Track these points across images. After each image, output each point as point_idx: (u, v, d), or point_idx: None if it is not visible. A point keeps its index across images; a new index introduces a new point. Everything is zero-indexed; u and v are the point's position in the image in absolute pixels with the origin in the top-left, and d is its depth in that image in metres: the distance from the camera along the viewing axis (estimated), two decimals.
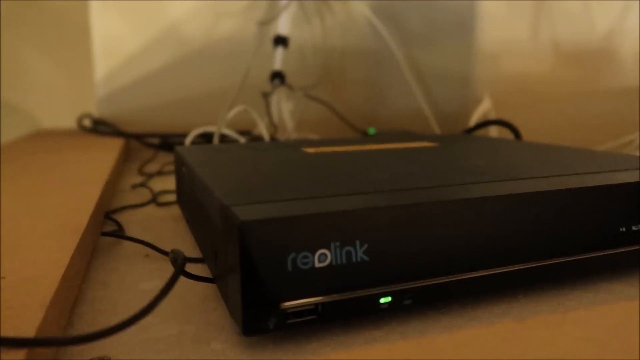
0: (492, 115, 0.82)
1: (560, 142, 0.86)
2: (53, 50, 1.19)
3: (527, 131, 0.81)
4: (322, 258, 0.23)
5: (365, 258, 0.24)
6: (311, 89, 0.96)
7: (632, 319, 0.23)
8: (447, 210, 0.25)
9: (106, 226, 0.44)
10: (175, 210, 0.50)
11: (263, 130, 0.72)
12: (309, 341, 0.25)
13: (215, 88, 0.97)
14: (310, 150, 0.45)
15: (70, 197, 0.42)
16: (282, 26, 0.89)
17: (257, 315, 0.23)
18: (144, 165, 0.76)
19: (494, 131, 0.81)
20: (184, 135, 0.82)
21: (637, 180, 0.30)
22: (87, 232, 0.35)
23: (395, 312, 0.27)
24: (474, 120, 0.80)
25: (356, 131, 0.95)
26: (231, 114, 0.70)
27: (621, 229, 0.30)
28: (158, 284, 0.32)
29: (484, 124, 0.67)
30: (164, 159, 0.82)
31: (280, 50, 0.86)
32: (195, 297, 0.30)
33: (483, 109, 0.81)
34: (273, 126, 0.81)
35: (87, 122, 0.97)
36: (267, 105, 0.82)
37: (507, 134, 0.79)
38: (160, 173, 0.69)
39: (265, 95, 0.82)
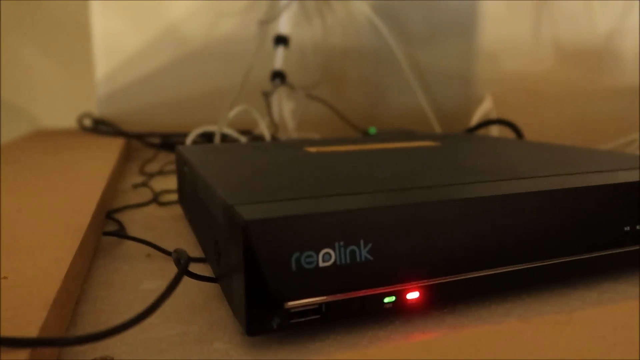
0: (493, 115, 0.82)
1: (561, 141, 0.86)
2: (53, 50, 1.19)
3: (528, 130, 0.81)
4: (326, 257, 0.23)
5: (369, 257, 0.24)
6: (312, 89, 0.96)
7: (637, 319, 0.23)
8: (450, 210, 0.25)
9: (107, 226, 0.44)
10: (177, 209, 0.50)
11: (264, 129, 0.72)
12: (312, 341, 0.24)
13: (216, 87, 0.97)
14: (312, 149, 0.45)
15: (71, 196, 0.42)
16: (283, 25, 0.89)
17: (260, 315, 0.23)
18: (145, 164, 0.76)
19: (495, 130, 0.81)
20: (184, 135, 0.81)
21: None
22: (89, 232, 0.35)
23: (399, 312, 0.27)
24: (475, 119, 0.80)
25: (357, 131, 0.95)
26: (232, 113, 0.69)
27: (625, 229, 0.30)
28: (160, 284, 0.32)
29: (486, 123, 0.67)
30: (165, 159, 0.82)
31: (281, 50, 0.86)
32: (197, 297, 0.30)
33: (484, 109, 0.81)
34: (274, 126, 0.81)
35: (87, 122, 0.97)
36: (268, 105, 0.81)
37: (509, 134, 0.79)
38: (161, 173, 0.69)
39: (266, 95, 0.82)
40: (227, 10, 0.95)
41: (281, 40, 0.87)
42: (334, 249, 0.23)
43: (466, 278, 0.26)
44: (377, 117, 1.03)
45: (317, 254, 0.23)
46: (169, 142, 0.88)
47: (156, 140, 0.89)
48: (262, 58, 0.89)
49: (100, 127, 0.93)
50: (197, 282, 0.31)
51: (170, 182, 0.63)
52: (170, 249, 0.37)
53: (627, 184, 0.29)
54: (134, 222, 0.45)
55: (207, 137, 0.83)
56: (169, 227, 0.44)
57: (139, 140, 0.88)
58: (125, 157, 0.80)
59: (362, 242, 0.24)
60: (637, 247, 0.30)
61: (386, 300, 0.25)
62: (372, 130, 0.87)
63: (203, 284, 0.31)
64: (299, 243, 0.23)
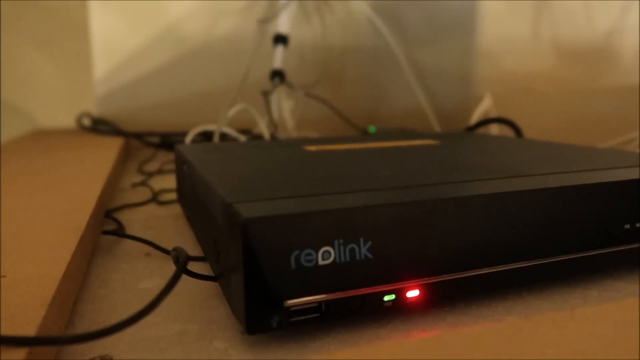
0: (493, 114, 0.82)
1: (561, 140, 0.85)
2: (52, 49, 1.19)
3: (527, 129, 0.81)
4: (325, 256, 0.23)
5: (369, 255, 0.24)
6: (311, 88, 0.96)
7: (637, 317, 0.23)
8: (450, 208, 0.25)
9: (106, 225, 0.44)
10: (176, 208, 0.50)
11: (263, 128, 0.72)
12: (312, 339, 0.24)
13: (215, 87, 0.97)
14: (312, 148, 0.45)
15: (70, 196, 0.42)
16: (282, 25, 0.89)
17: (260, 314, 0.23)
18: (144, 164, 0.76)
19: (494, 129, 0.81)
20: (183, 134, 0.81)
21: None
22: (88, 231, 0.35)
23: (399, 310, 0.26)
24: (474, 118, 0.80)
25: (356, 129, 0.95)
26: (231, 112, 0.69)
27: (625, 226, 0.30)
28: (159, 283, 0.32)
29: (486, 121, 0.67)
30: (164, 158, 0.81)
31: (280, 49, 0.86)
32: (196, 295, 0.30)
33: (484, 107, 0.81)
34: (273, 125, 0.81)
35: (86, 121, 0.97)
36: (267, 104, 0.81)
37: (508, 132, 0.79)
38: (160, 172, 0.69)
39: (266, 94, 0.82)
40: (226, 10, 0.95)
41: (280, 39, 0.87)
42: (333, 247, 0.23)
43: (466, 276, 0.26)
44: (376, 115, 1.03)
45: (317, 252, 0.23)
46: (167, 141, 0.88)
47: (155, 140, 0.89)
48: (261, 57, 0.89)
49: (99, 126, 0.93)
50: (196, 280, 0.31)
51: (169, 181, 0.63)
52: (170, 247, 0.37)
53: (627, 181, 0.29)
54: (133, 221, 0.45)
55: (206, 136, 0.83)
56: (168, 226, 0.44)
57: (137, 140, 0.88)
58: (124, 157, 0.79)
59: (361, 240, 0.24)
60: (637, 245, 0.30)
61: (386, 298, 0.25)
62: (372, 129, 0.87)
63: (202, 283, 0.31)
64: (298, 241, 0.23)
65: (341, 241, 0.23)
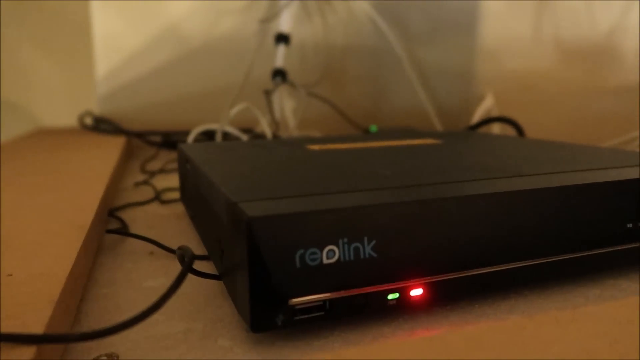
0: (495, 113, 0.82)
1: (562, 139, 0.86)
2: (54, 49, 1.19)
3: (529, 128, 0.81)
4: (330, 254, 0.23)
5: (373, 254, 0.24)
6: (313, 87, 0.96)
7: (639, 315, 0.23)
8: (453, 207, 0.25)
9: (110, 224, 0.44)
10: (179, 207, 0.50)
11: (265, 127, 0.72)
12: (317, 338, 0.25)
13: (217, 86, 0.97)
14: (314, 147, 0.45)
15: (73, 195, 0.42)
16: (284, 24, 0.89)
17: (265, 312, 0.23)
18: (146, 163, 0.76)
19: (496, 128, 0.81)
20: (186, 133, 0.82)
21: None
22: (92, 230, 0.35)
23: (403, 309, 0.27)
24: (476, 117, 0.80)
25: (358, 128, 0.95)
26: (233, 111, 0.69)
27: (627, 225, 0.30)
28: (163, 282, 0.32)
29: (487, 121, 0.67)
30: (166, 157, 0.82)
31: (281, 48, 0.86)
32: (201, 294, 0.30)
33: (485, 106, 0.81)
34: (275, 124, 0.81)
35: (88, 120, 0.97)
36: (269, 103, 0.82)
37: (510, 131, 0.79)
38: (162, 171, 0.69)
39: (267, 93, 0.82)
40: (227, 9, 0.95)
41: (282, 38, 0.87)
42: (337, 246, 0.23)
43: (470, 275, 0.26)
44: (378, 115, 1.03)
45: (321, 250, 0.23)
46: (170, 140, 0.88)
47: (157, 139, 0.89)
48: (263, 56, 0.89)
49: (101, 125, 0.93)
50: (201, 279, 0.31)
51: (171, 180, 0.63)
52: (173, 246, 0.37)
53: (629, 181, 0.29)
54: (136, 220, 0.45)
55: (208, 135, 0.83)
56: (171, 224, 0.44)
57: (140, 139, 0.88)
58: (127, 156, 0.80)
59: (365, 239, 0.24)
60: (639, 244, 0.30)
61: (390, 297, 0.25)
62: (373, 128, 0.87)
63: (206, 281, 0.31)
64: (303, 240, 0.23)
65: (345, 240, 0.24)
